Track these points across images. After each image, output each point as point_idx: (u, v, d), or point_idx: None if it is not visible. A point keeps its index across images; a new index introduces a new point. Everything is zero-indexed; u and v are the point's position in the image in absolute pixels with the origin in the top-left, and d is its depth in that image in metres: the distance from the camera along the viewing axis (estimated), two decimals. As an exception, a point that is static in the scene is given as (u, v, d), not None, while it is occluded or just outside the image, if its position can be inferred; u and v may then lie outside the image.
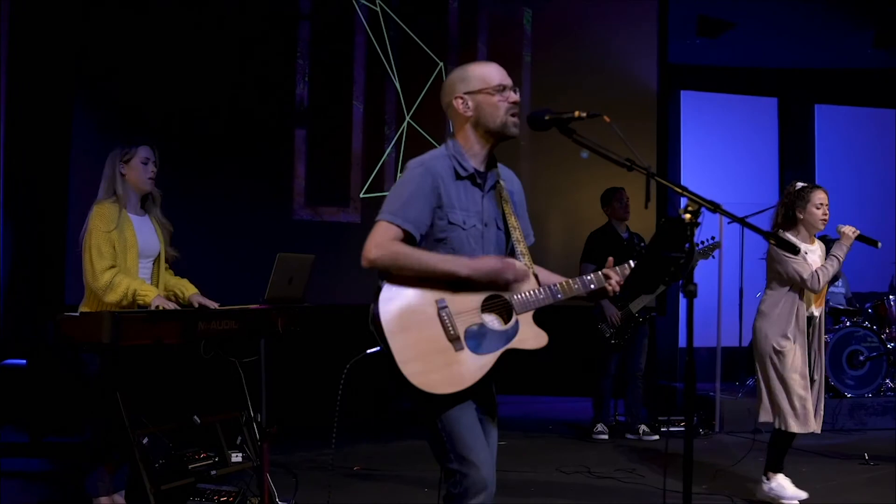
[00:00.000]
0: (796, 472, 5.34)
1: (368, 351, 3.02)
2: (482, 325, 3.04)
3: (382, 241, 3.00)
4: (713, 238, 6.66)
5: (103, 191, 4.61)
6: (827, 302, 6.47)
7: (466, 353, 3.00)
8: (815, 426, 5.16)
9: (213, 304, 4.59)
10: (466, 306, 3.03)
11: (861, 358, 8.17)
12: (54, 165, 7.01)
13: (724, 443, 7.55)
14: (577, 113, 3.00)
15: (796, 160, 11.27)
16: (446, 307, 3.00)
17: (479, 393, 3.13)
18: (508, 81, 3.18)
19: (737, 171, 10.90)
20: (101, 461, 4.51)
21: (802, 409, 5.12)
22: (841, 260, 5.19)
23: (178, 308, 4.46)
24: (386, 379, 2.98)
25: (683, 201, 2.82)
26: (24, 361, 6.89)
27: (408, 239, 3.03)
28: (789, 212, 5.33)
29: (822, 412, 5.35)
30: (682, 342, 10.26)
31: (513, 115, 3.15)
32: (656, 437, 7.57)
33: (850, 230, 5.30)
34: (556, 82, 8.80)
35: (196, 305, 4.58)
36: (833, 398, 8.03)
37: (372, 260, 2.99)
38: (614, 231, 7.60)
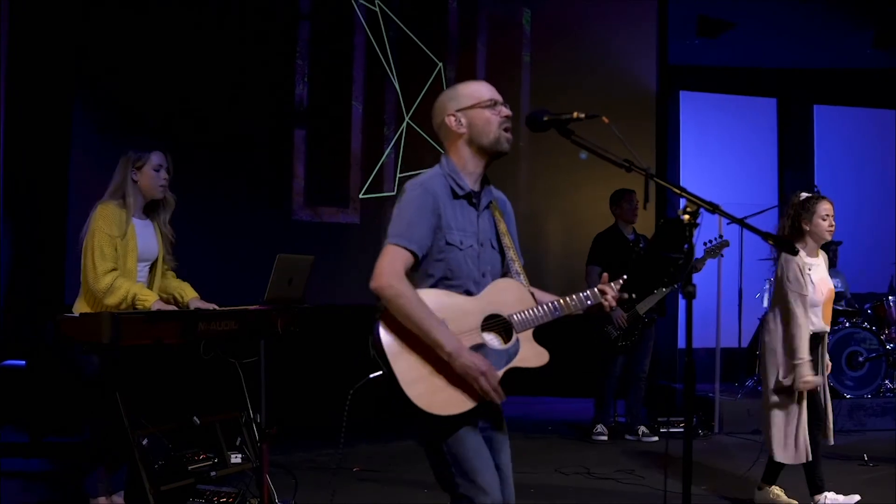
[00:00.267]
0: (796, 472, 5.33)
1: (371, 375, 2.98)
2: (483, 345, 3.02)
3: (395, 271, 2.94)
4: (721, 237, 6.66)
5: (110, 193, 4.59)
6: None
7: None
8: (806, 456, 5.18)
9: (212, 308, 4.59)
10: (467, 326, 3.00)
11: (860, 359, 8.17)
12: (54, 165, 7.00)
13: (723, 444, 7.56)
14: (575, 114, 2.99)
15: (795, 161, 11.28)
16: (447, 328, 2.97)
17: (486, 411, 3.11)
18: (499, 97, 3.17)
19: (736, 172, 10.91)
20: (101, 461, 4.51)
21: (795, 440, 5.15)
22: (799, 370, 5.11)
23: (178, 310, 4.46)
24: (389, 398, 2.96)
25: (682, 202, 2.82)
26: (24, 362, 6.88)
27: (414, 260, 3.01)
28: (795, 224, 5.27)
29: (831, 424, 5.36)
30: (681, 343, 10.26)
31: (506, 130, 3.15)
32: (655, 438, 7.57)
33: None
34: (555, 82, 8.80)
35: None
36: (832, 399, 8.02)
37: (381, 287, 2.91)
38: (620, 233, 7.57)
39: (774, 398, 5.19)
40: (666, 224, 7.93)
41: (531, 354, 3.10)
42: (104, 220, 4.47)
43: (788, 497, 5.31)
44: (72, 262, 6.66)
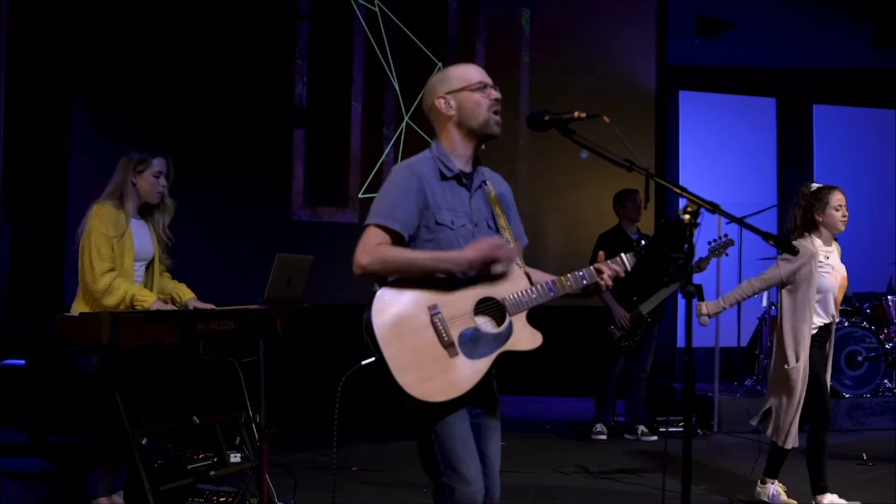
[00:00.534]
0: (794, 472, 5.34)
1: (364, 362, 2.99)
2: (476, 329, 3.01)
3: (371, 247, 2.98)
4: (726, 235, 6.65)
5: (108, 192, 4.59)
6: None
7: (461, 359, 2.97)
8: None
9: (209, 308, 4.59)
10: (459, 311, 3.01)
11: (859, 358, 8.17)
12: (54, 165, 7.00)
13: (722, 443, 7.57)
14: (576, 114, 3.00)
15: (795, 160, 11.28)
16: (439, 313, 2.97)
17: (479, 395, 3.10)
18: (488, 80, 3.19)
19: (735, 172, 10.91)
20: (100, 461, 4.51)
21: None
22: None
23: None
24: (381, 385, 2.97)
25: (683, 202, 2.82)
26: (23, 362, 6.88)
27: (397, 240, 3.03)
28: (807, 214, 5.23)
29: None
30: (680, 342, 10.27)
31: (495, 113, 3.15)
32: (655, 437, 7.57)
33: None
34: (554, 82, 8.80)
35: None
36: (831, 398, 8.03)
37: (363, 266, 2.97)
38: (624, 232, 7.56)
39: (779, 380, 5.19)
40: (666, 224, 7.93)
41: (524, 337, 3.08)
42: (100, 220, 4.47)
43: (788, 497, 5.31)
44: (71, 263, 6.66)
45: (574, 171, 8.58)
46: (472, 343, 3.00)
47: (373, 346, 2.94)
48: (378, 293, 2.98)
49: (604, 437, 7.58)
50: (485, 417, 3.20)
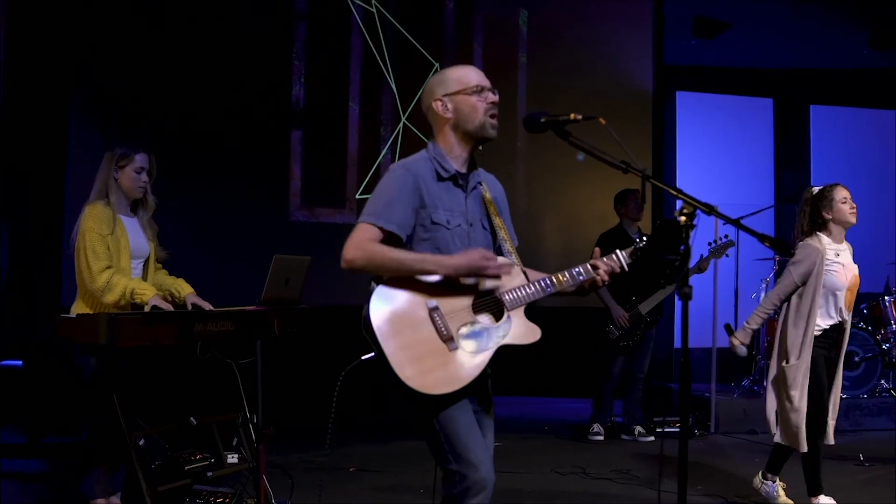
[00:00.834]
0: (792, 472, 5.34)
1: (363, 357, 3.00)
2: (474, 324, 3.04)
3: (359, 242, 3.01)
4: (726, 237, 6.64)
5: (96, 192, 4.60)
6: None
7: (461, 352, 3.00)
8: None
9: (207, 305, 4.59)
10: (457, 306, 3.04)
11: (856, 359, 8.18)
12: (52, 165, 7.01)
13: (719, 443, 7.57)
14: (572, 115, 3.00)
15: (792, 161, 11.30)
16: (437, 308, 3.00)
17: (476, 391, 3.13)
18: (486, 83, 3.19)
19: (732, 172, 10.92)
20: (99, 462, 4.51)
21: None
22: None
23: (174, 308, 4.46)
24: (382, 380, 2.98)
25: (679, 203, 2.82)
26: (21, 362, 6.88)
27: (392, 240, 3.04)
28: (816, 216, 5.18)
29: (832, 422, 5.25)
30: (677, 343, 10.27)
31: (491, 117, 3.16)
32: (652, 438, 7.57)
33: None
34: (551, 83, 8.80)
35: (190, 306, 4.58)
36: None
37: (349, 260, 3.00)
38: (625, 232, 7.53)
39: (780, 379, 5.12)
40: (663, 225, 7.92)
41: (523, 331, 3.10)
42: (93, 220, 4.47)
43: (787, 497, 5.30)
44: (68, 264, 6.64)
45: (572, 171, 8.58)
46: (472, 337, 3.03)
47: (372, 342, 2.96)
48: (376, 289, 3.00)
49: (601, 437, 7.59)
50: (481, 415, 3.23)
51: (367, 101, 8.29)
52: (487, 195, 3.27)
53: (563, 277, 3.18)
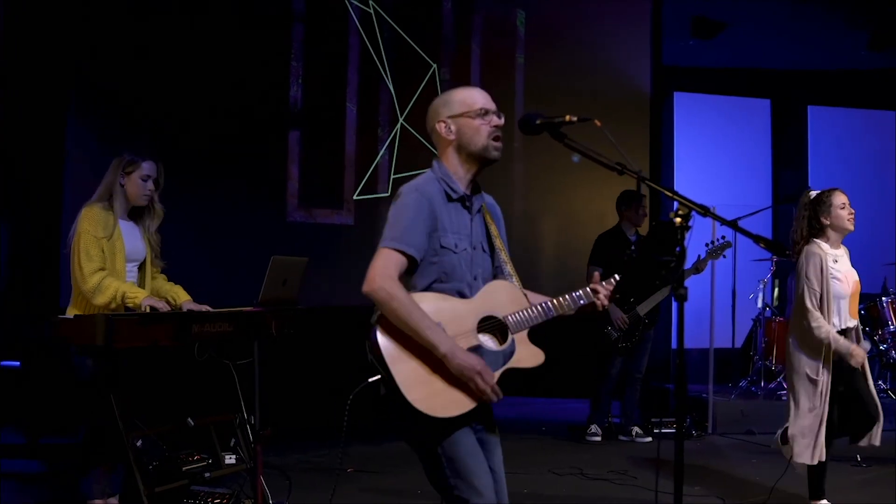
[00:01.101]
0: (790, 472, 5.34)
1: (370, 379, 2.99)
2: (479, 347, 3.03)
3: (388, 274, 2.94)
4: (723, 238, 6.62)
5: (99, 194, 4.60)
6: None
7: None
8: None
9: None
10: (462, 328, 3.02)
11: (854, 359, 8.16)
12: (50, 166, 7.01)
13: (716, 444, 7.57)
14: (567, 117, 3.00)
15: (790, 162, 11.30)
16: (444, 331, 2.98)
17: (480, 414, 3.13)
18: (492, 106, 3.17)
19: (730, 173, 10.93)
20: (97, 463, 4.51)
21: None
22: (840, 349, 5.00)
23: (171, 310, 4.46)
24: (385, 403, 2.97)
25: (675, 204, 2.83)
26: (19, 363, 6.88)
27: (410, 263, 3.02)
28: (813, 221, 5.13)
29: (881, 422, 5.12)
30: (674, 344, 10.27)
31: (495, 140, 3.14)
32: (649, 438, 7.57)
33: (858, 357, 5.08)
34: (549, 84, 8.80)
35: None
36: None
37: (374, 289, 2.92)
38: (623, 234, 7.47)
39: (802, 397, 5.04)
40: (658, 227, 7.92)
41: (527, 355, 3.11)
42: (89, 222, 4.48)
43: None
44: (66, 265, 6.65)
45: (569, 172, 8.59)
46: None
47: (379, 365, 2.94)
48: (382, 313, 2.97)
49: (598, 438, 7.58)
50: (485, 434, 3.23)
51: (365, 102, 8.30)
52: (488, 217, 3.27)
53: (564, 302, 3.20)
